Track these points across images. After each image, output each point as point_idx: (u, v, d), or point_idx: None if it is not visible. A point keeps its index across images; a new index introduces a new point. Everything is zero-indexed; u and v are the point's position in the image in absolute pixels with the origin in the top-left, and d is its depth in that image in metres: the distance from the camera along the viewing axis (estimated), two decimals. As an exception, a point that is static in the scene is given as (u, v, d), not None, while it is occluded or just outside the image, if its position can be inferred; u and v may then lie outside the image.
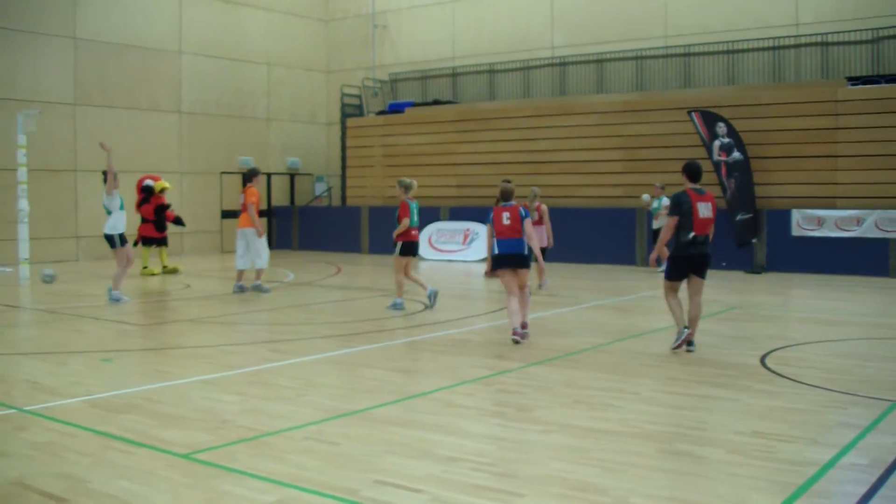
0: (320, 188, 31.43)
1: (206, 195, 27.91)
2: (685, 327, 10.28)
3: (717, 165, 20.61)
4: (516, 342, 10.86)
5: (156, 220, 20.46)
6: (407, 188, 13.94)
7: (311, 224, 28.57)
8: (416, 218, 13.95)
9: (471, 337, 11.47)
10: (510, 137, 25.03)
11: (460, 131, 25.97)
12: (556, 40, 26.88)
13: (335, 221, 27.91)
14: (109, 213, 15.14)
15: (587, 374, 9.03)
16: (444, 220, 25.16)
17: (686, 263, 10.21)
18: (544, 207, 17.24)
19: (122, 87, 25.66)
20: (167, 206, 20.65)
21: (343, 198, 29.54)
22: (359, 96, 29.91)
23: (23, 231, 19.07)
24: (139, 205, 20.55)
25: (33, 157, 20.87)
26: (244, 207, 16.15)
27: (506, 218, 11.10)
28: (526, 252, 11.00)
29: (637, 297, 15.83)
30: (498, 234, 11.07)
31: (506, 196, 11.26)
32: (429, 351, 10.43)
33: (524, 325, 11.13)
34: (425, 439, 6.66)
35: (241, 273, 16.33)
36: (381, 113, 28.71)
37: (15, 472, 5.93)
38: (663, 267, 19.40)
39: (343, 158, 29.31)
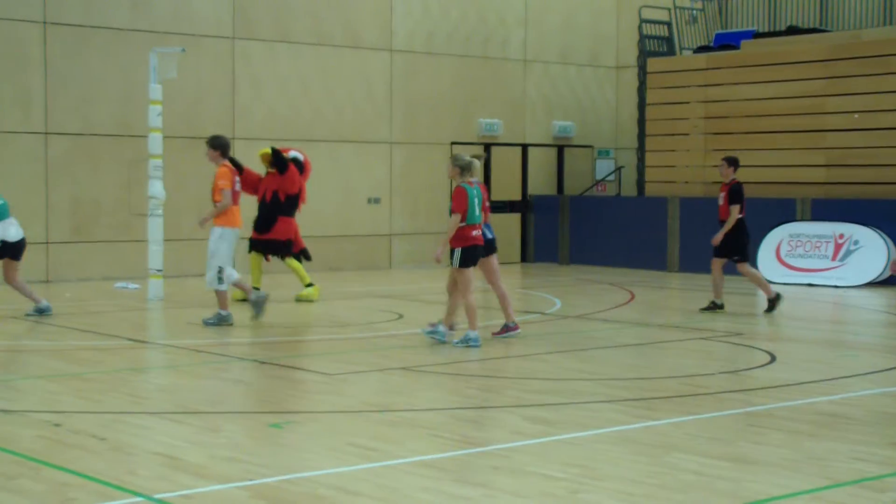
0: (605, 168, 31.40)
1: (428, 178, 28.44)
2: None
3: None
4: None
5: (261, 213, 20.27)
6: (464, 169, 14.55)
7: (589, 224, 28.53)
8: (477, 211, 14.54)
9: (848, 409, 11.09)
10: (919, 86, 24.18)
11: (833, 77, 25.31)
12: None
13: (627, 220, 27.75)
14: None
15: None
16: (803, 219, 24.50)
17: None
18: None
19: (305, 12, 26.61)
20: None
21: (640, 183, 29.32)
22: (668, 24, 29.67)
23: (155, 228, 20.01)
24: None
25: (172, 117, 21.89)
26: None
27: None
28: None
29: None
30: None
31: None
32: (779, 429, 10.13)
33: None
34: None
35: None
36: (702, 50, 28.41)
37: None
38: None
39: (641, 122, 29.16)
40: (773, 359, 14.04)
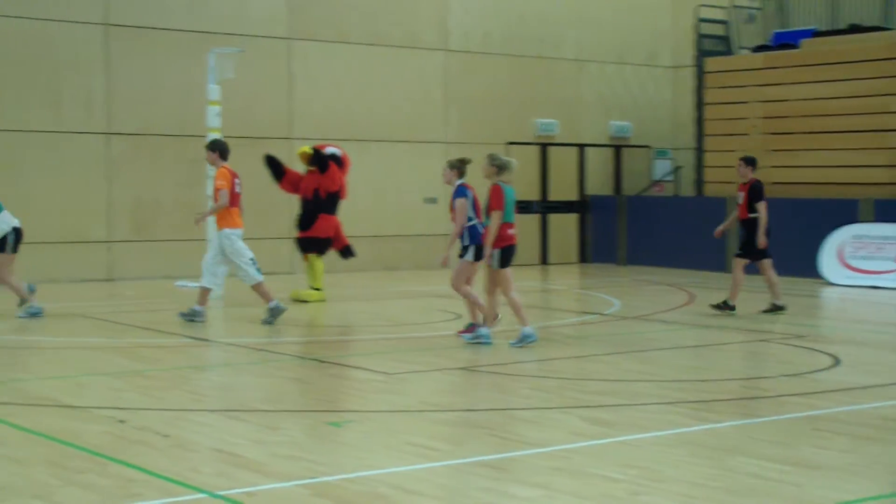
0: (663, 168, 31.31)
1: (485, 178, 28.38)
2: None
3: None
4: None
5: (303, 211, 20.45)
6: (501, 168, 14.79)
7: (646, 225, 28.46)
8: (511, 210, 14.70)
9: (916, 414, 11.03)
10: None
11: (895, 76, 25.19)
12: None
13: (685, 221, 27.63)
14: None
15: None
16: (866, 220, 24.31)
17: None
18: None
19: (359, 13, 26.72)
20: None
21: (698, 183, 29.22)
22: (725, 23, 29.54)
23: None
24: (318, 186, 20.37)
25: (229, 116, 22.01)
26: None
27: None
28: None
29: None
30: None
31: None
32: (844, 433, 10.05)
33: None
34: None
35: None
36: (760, 49, 28.27)
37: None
38: None
39: (699, 122, 29.05)
40: (837, 362, 13.91)
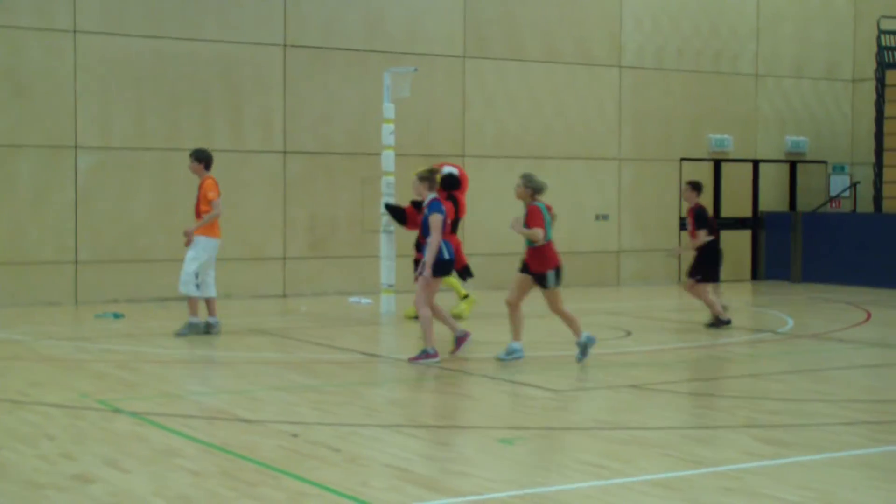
0: (839, 184, 30.81)
1: (658, 194, 28.32)
2: None
3: None
4: None
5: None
6: (537, 191, 14.71)
7: (822, 241, 28.05)
8: (550, 229, 14.95)
9: None
10: None
11: None
12: None
13: (863, 238, 27.20)
14: None
15: None
16: None
17: None
18: None
19: (533, 30, 26.77)
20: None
21: (877, 200, 28.68)
22: (909, 35, 29.08)
23: (387, 244, 20.37)
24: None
25: (404, 135, 22.23)
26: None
27: None
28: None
29: None
30: None
31: None
32: None
33: None
34: None
35: None
36: (944, 62, 27.76)
37: None
38: None
39: (879, 136, 28.55)
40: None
